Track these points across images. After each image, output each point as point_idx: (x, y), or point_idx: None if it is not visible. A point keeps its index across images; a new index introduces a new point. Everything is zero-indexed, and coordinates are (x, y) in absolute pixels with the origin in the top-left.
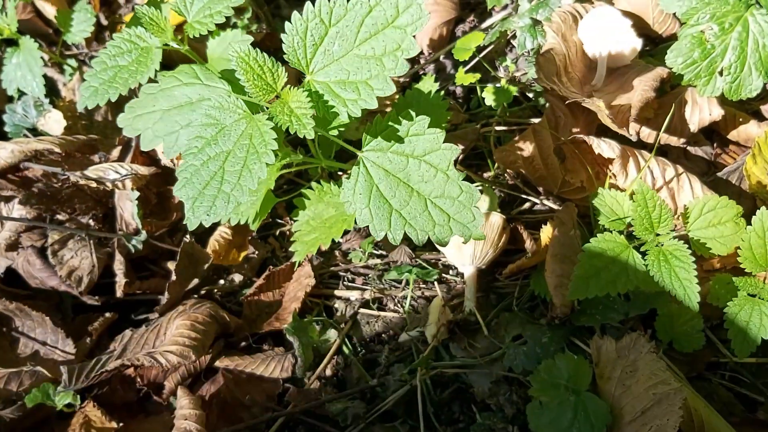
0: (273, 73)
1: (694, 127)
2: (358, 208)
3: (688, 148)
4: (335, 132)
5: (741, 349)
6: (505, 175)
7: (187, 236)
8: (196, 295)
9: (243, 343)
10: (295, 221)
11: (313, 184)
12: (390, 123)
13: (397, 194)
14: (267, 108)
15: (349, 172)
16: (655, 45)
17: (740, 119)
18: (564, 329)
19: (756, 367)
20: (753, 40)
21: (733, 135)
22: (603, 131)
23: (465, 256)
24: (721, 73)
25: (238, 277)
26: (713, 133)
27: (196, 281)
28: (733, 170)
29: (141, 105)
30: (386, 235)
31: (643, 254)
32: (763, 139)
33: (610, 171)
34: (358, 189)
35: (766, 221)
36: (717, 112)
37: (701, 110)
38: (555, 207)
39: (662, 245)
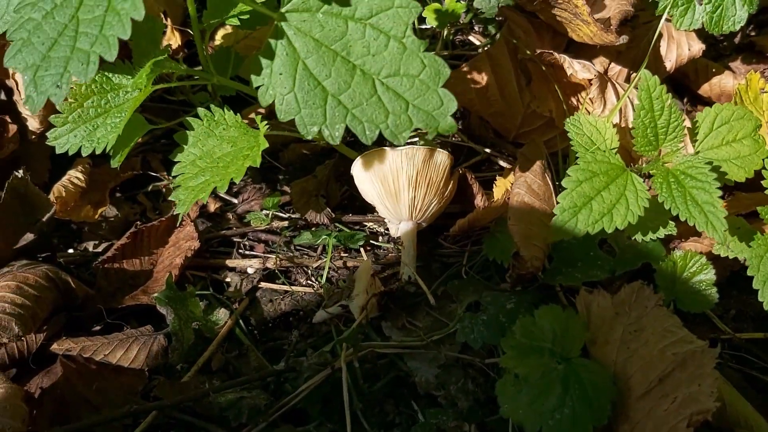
0: None
1: (670, 65)
2: (278, 94)
3: None
4: None
5: None
6: None
7: (19, 171)
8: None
9: (96, 326)
10: (176, 164)
11: (201, 111)
12: None
13: (334, 73)
14: None
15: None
16: None
17: (713, 70)
18: (532, 294)
19: (763, 343)
20: None
21: (705, 89)
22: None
23: (402, 208)
24: (700, 2)
25: (94, 245)
26: (684, 90)
27: (30, 237)
28: None
29: None
30: (321, 131)
31: (645, 178)
32: (744, 87)
33: (585, 98)
34: (278, 67)
35: None
36: (697, 48)
37: (678, 45)
38: (508, 166)
39: (669, 165)
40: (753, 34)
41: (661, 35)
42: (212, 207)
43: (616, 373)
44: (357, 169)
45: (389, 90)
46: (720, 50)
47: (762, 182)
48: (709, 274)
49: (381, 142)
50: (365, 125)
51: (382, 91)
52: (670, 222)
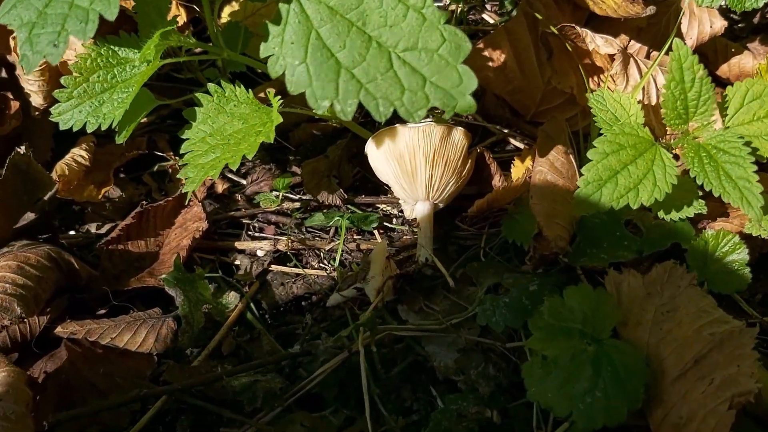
0: None
1: (691, 42)
2: (288, 64)
3: None
4: None
5: None
6: None
7: (21, 147)
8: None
9: (101, 309)
10: (184, 142)
11: (211, 86)
12: None
13: (348, 45)
14: None
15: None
16: None
17: (732, 50)
18: (555, 276)
19: None
20: None
21: (723, 70)
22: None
23: (419, 188)
24: None
25: (97, 226)
26: None
27: (31, 216)
28: None
29: None
30: (332, 105)
31: (675, 155)
32: (765, 67)
33: (607, 74)
34: (289, 36)
35: None
36: (719, 25)
37: (700, 22)
38: (524, 146)
39: (699, 140)
40: None
41: (683, 11)
42: (220, 188)
43: (649, 355)
44: (371, 147)
45: (406, 65)
46: (736, 32)
47: None
48: (742, 254)
49: (392, 120)
50: (379, 101)
51: (399, 65)
52: (699, 200)
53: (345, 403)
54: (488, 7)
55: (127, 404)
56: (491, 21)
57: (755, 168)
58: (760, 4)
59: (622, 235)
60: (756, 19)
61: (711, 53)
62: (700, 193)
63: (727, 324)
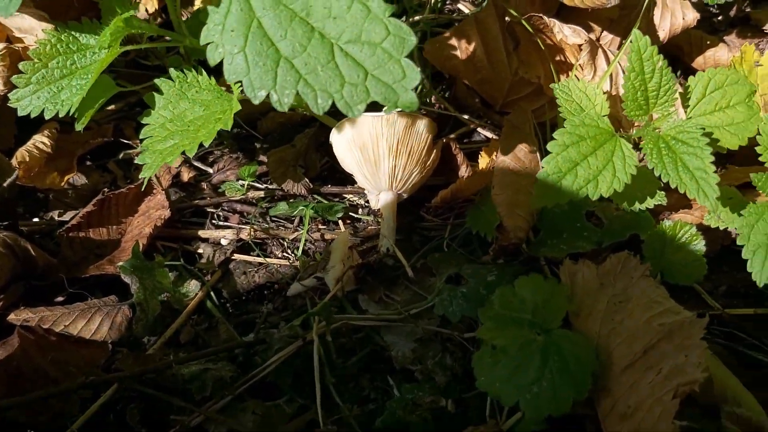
0: None
1: (663, 34)
2: (227, 52)
3: None
4: None
5: (762, 271)
6: (432, 98)
7: None
8: None
9: (59, 297)
10: (145, 126)
11: (173, 72)
12: None
13: (290, 35)
14: None
15: None
16: None
17: (708, 42)
18: (516, 266)
19: (755, 319)
20: None
21: (698, 62)
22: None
23: (382, 178)
24: None
25: (59, 213)
26: (677, 62)
27: None
28: None
29: None
30: (269, 96)
31: (635, 146)
32: (739, 60)
33: (575, 64)
34: (230, 23)
35: None
36: (692, 17)
37: (672, 14)
38: (494, 137)
39: (659, 131)
40: (748, 9)
41: (654, 3)
42: (186, 176)
43: (600, 346)
44: (336, 136)
45: (348, 57)
46: (715, 25)
47: (756, 149)
48: (699, 245)
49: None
50: (318, 93)
51: (341, 57)
52: (660, 192)
53: (300, 392)
54: None
55: (74, 391)
56: (467, 11)
57: (712, 159)
58: None
59: (583, 226)
60: (733, 13)
61: (686, 45)
62: (662, 185)
63: (678, 315)
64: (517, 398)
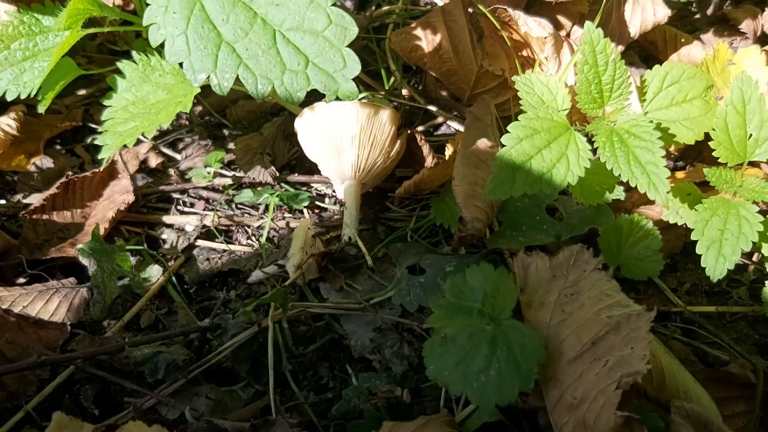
0: None
1: (635, 30)
2: (168, 34)
3: None
4: None
5: (715, 267)
6: (403, 89)
7: None
8: None
9: (20, 278)
10: (107, 108)
11: (136, 55)
12: None
13: (232, 19)
14: None
15: None
16: None
17: (682, 40)
18: (476, 257)
19: (717, 317)
20: None
21: (672, 59)
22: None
23: (344, 166)
24: None
25: (23, 195)
26: (651, 58)
27: None
28: None
29: None
30: (209, 79)
31: (589, 140)
32: (711, 58)
33: (539, 57)
34: (173, 5)
35: (747, 90)
36: (663, 13)
37: (644, 10)
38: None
39: (614, 124)
40: (730, 7)
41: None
42: (154, 162)
43: (549, 337)
44: (299, 123)
45: (290, 44)
46: (695, 24)
47: (710, 144)
48: (655, 241)
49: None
50: (258, 78)
51: (282, 44)
52: (618, 186)
53: (257, 378)
54: None
55: (27, 369)
56: (441, 3)
57: (663, 153)
58: None
59: (542, 220)
60: (710, 11)
61: (661, 42)
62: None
63: (627, 308)
64: (464, 387)
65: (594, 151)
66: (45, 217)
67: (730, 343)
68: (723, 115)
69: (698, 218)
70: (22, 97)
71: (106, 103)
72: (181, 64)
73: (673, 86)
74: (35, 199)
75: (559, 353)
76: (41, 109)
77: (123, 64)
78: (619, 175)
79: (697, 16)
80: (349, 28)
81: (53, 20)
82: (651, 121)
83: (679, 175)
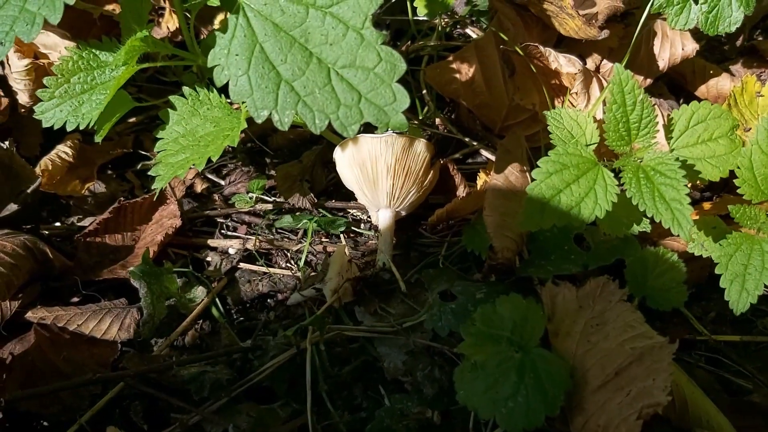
0: None
1: (663, 64)
2: (232, 75)
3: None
4: None
5: (738, 301)
6: (437, 118)
7: (5, 143)
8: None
9: (74, 298)
10: (159, 140)
11: (186, 90)
12: None
13: (290, 59)
14: None
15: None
16: None
17: (711, 71)
18: (506, 285)
19: (742, 346)
20: None
21: (701, 91)
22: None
23: (380, 196)
24: (696, 1)
25: (78, 219)
26: (680, 90)
27: (13, 207)
28: None
29: None
30: (271, 115)
31: (617, 175)
32: (740, 90)
33: (569, 92)
34: (235, 48)
35: None
36: (691, 48)
37: (672, 44)
38: (493, 158)
39: (641, 161)
40: (761, 38)
41: (655, 33)
42: (199, 188)
43: (575, 366)
44: (338, 153)
45: (343, 80)
46: (725, 53)
47: (735, 181)
48: (679, 272)
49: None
50: (315, 114)
51: (336, 81)
52: (645, 219)
53: (295, 397)
54: (474, 20)
55: (83, 386)
56: (474, 36)
57: (688, 190)
58: (733, 29)
59: (570, 249)
60: (739, 42)
61: (689, 74)
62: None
63: (650, 339)
64: (493, 412)
65: (621, 184)
66: (98, 240)
67: (753, 372)
68: (748, 154)
69: (722, 253)
70: (81, 128)
71: (158, 135)
72: (244, 102)
73: (699, 125)
74: (89, 223)
75: (584, 382)
76: (97, 139)
77: (174, 99)
78: (643, 210)
79: (726, 47)
80: (398, 65)
81: (110, 55)
82: (677, 159)
83: (706, 206)
